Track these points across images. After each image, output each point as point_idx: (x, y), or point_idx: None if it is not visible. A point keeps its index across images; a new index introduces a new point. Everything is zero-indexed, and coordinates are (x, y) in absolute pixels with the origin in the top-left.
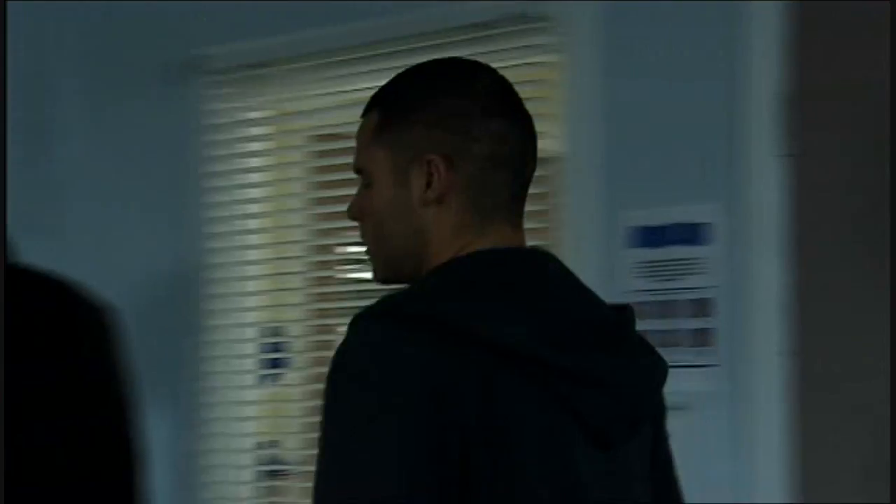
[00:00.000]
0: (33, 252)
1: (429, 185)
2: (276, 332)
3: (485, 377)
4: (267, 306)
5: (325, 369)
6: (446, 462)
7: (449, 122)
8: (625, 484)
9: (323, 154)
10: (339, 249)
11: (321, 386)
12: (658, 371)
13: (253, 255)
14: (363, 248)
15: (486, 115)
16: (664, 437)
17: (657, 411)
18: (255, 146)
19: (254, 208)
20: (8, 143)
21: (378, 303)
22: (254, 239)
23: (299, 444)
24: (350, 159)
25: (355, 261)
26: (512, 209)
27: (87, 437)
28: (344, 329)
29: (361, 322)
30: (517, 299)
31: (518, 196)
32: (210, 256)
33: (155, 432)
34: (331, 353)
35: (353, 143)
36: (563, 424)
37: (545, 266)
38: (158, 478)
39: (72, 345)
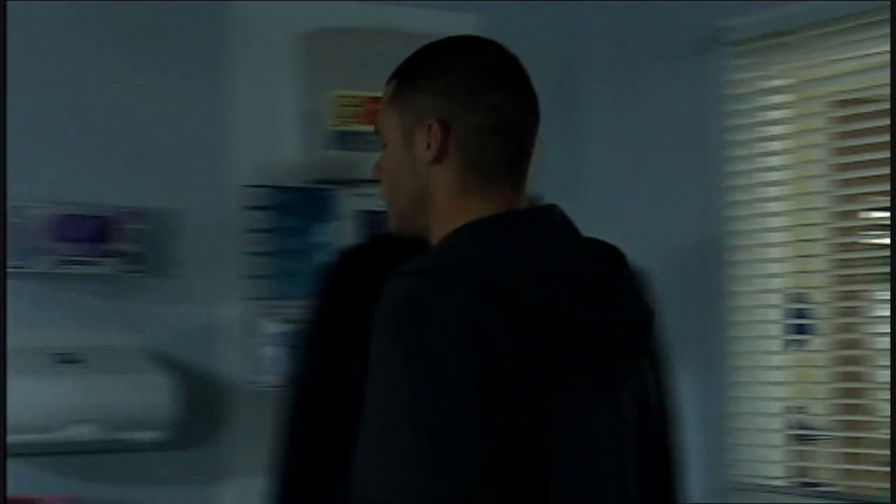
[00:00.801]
0: None
1: (428, 146)
2: (799, 298)
3: (508, 326)
4: (790, 273)
5: (851, 336)
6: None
7: (450, 90)
8: (621, 424)
9: (845, 119)
10: (864, 215)
11: (847, 352)
12: (650, 316)
13: (775, 222)
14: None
15: (485, 86)
16: (662, 377)
17: (649, 356)
18: (775, 115)
19: (775, 176)
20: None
21: (418, 261)
22: (775, 206)
23: (827, 410)
24: (873, 124)
25: (880, 226)
26: (512, 173)
27: None
28: (870, 295)
29: (409, 277)
30: (534, 261)
31: (517, 162)
32: (732, 224)
33: (685, 394)
34: (856, 321)
35: (876, 108)
36: (577, 371)
37: (552, 226)
38: (688, 437)
39: None
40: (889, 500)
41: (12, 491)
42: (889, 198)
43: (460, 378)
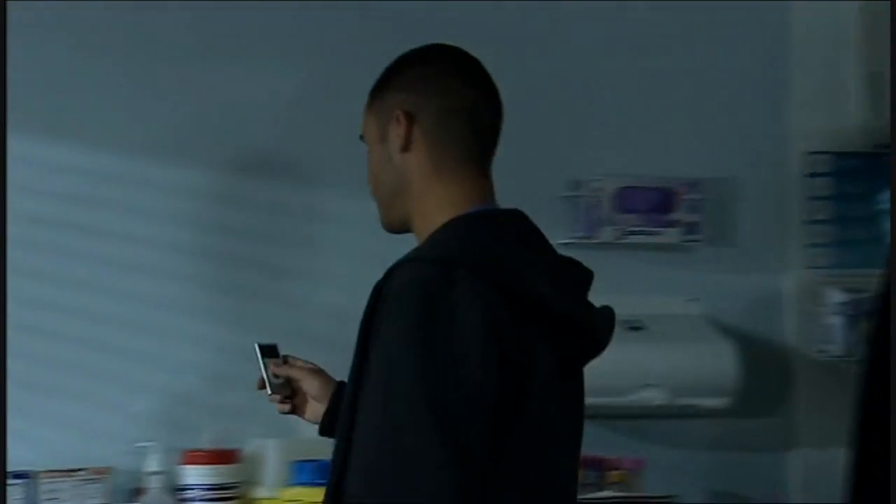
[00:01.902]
0: None
1: (398, 137)
2: None
3: (509, 310)
4: None
5: None
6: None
7: (414, 84)
8: (574, 411)
9: None
10: None
11: None
12: (612, 320)
13: None
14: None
15: (445, 76)
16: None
17: None
18: None
19: None
20: None
21: (419, 251)
22: None
23: None
24: None
25: None
26: (478, 156)
27: None
28: None
29: (416, 264)
30: (523, 255)
31: (482, 145)
32: None
33: None
34: None
35: None
36: (548, 357)
37: (531, 227)
38: None
39: None
40: None
41: (586, 452)
42: None
43: (470, 357)
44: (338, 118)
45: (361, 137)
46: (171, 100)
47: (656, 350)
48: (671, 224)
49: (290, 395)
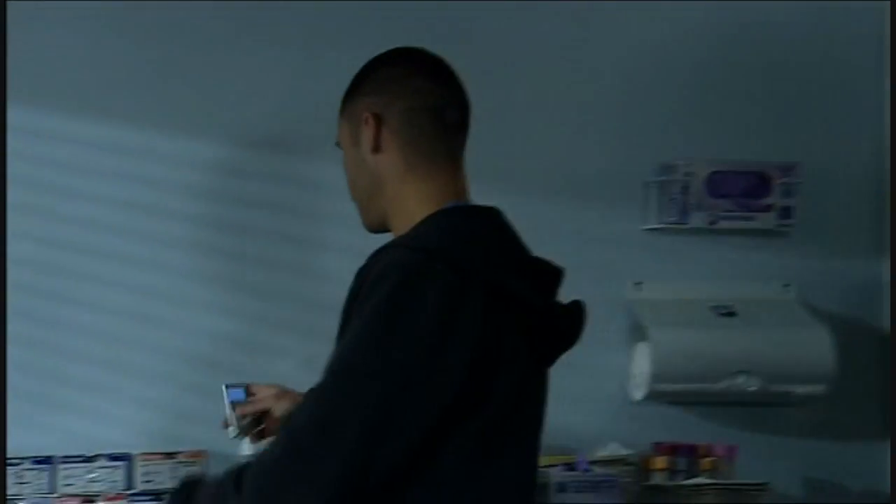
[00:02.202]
0: None
1: (369, 139)
2: None
3: (484, 304)
4: None
5: None
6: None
7: (380, 86)
8: (543, 398)
9: None
10: None
11: None
12: (584, 314)
13: None
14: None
15: (409, 76)
16: None
17: None
18: None
19: None
20: None
21: (401, 239)
22: None
23: None
24: None
25: None
26: (448, 151)
27: None
28: None
29: (398, 250)
30: (500, 248)
31: (451, 140)
32: None
33: None
34: None
35: None
36: (522, 349)
37: (507, 223)
38: None
39: None
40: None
41: (679, 438)
42: None
43: (430, 349)
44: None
45: (337, 144)
46: (189, 77)
47: (750, 336)
48: (765, 209)
49: (260, 425)
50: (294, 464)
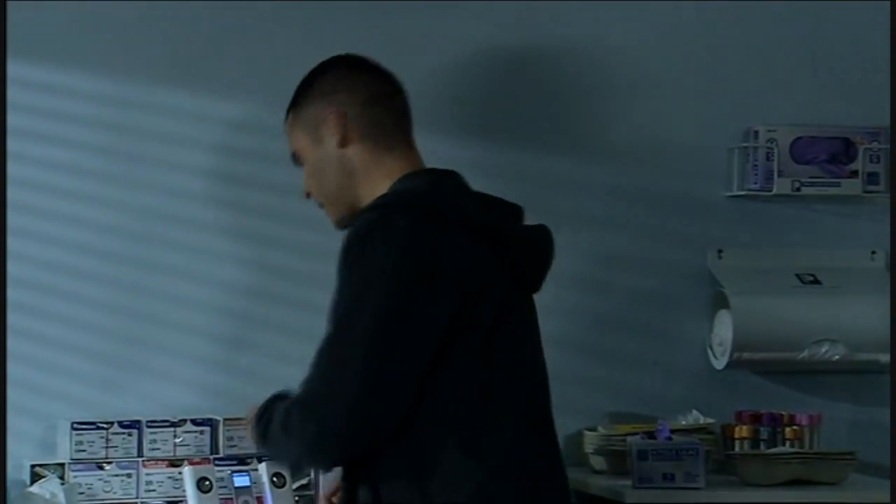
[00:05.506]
0: None
1: (334, 136)
2: None
3: (461, 243)
4: None
5: None
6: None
7: (330, 88)
8: (535, 322)
9: None
10: None
11: None
12: (550, 235)
13: None
14: (325, 212)
15: (353, 74)
16: None
17: None
18: None
19: None
20: None
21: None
22: None
23: None
24: None
25: None
26: (404, 134)
27: None
28: None
29: (362, 215)
30: (461, 193)
31: (404, 122)
32: None
33: None
34: None
35: None
36: (502, 271)
37: (462, 180)
38: None
39: None
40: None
41: (761, 407)
42: None
43: (409, 284)
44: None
45: (293, 157)
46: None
47: (835, 304)
48: (850, 175)
49: None
50: (323, 387)
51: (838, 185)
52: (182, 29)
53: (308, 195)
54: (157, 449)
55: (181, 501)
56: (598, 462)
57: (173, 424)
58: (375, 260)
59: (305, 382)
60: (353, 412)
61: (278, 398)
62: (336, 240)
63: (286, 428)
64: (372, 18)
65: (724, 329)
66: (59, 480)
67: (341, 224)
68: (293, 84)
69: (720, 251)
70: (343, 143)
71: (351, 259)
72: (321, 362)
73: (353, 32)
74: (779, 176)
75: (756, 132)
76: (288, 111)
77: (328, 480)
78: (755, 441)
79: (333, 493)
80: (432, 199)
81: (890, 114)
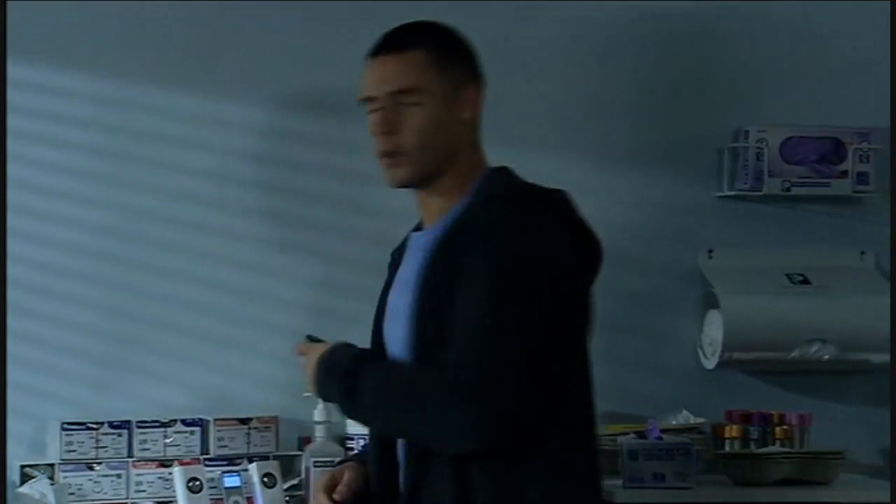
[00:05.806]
0: None
1: (470, 110)
2: None
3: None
4: None
5: None
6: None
7: (473, 61)
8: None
9: None
10: None
11: None
12: None
13: None
14: (387, 163)
15: (475, 56)
16: None
17: None
18: None
19: None
20: None
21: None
22: None
23: None
24: None
25: None
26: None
27: None
28: None
29: (510, 203)
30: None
31: None
32: None
33: None
34: None
35: None
36: (590, 279)
37: None
38: None
39: None
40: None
41: (752, 407)
42: None
43: (559, 281)
44: None
45: (400, 91)
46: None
47: (825, 304)
48: (839, 175)
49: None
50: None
51: (828, 185)
52: (180, 30)
53: (387, 131)
54: (147, 449)
55: (171, 502)
56: None
57: (163, 425)
58: (536, 256)
59: (464, 366)
60: (526, 398)
61: (361, 359)
62: (328, 238)
63: (440, 402)
64: (372, 18)
65: (714, 329)
66: (48, 481)
67: (401, 182)
68: (293, 84)
69: (710, 251)
70: (473, 119)
71: (504, 251)
72: (487, 348)
73: (353, 32)
74: (769, 176)
75: (746, 132)
76: (426, 46)
77: (320, 476)
78: (745, 441)
79: (332, 489)
80: (554, 196)
81: (890, 114)
